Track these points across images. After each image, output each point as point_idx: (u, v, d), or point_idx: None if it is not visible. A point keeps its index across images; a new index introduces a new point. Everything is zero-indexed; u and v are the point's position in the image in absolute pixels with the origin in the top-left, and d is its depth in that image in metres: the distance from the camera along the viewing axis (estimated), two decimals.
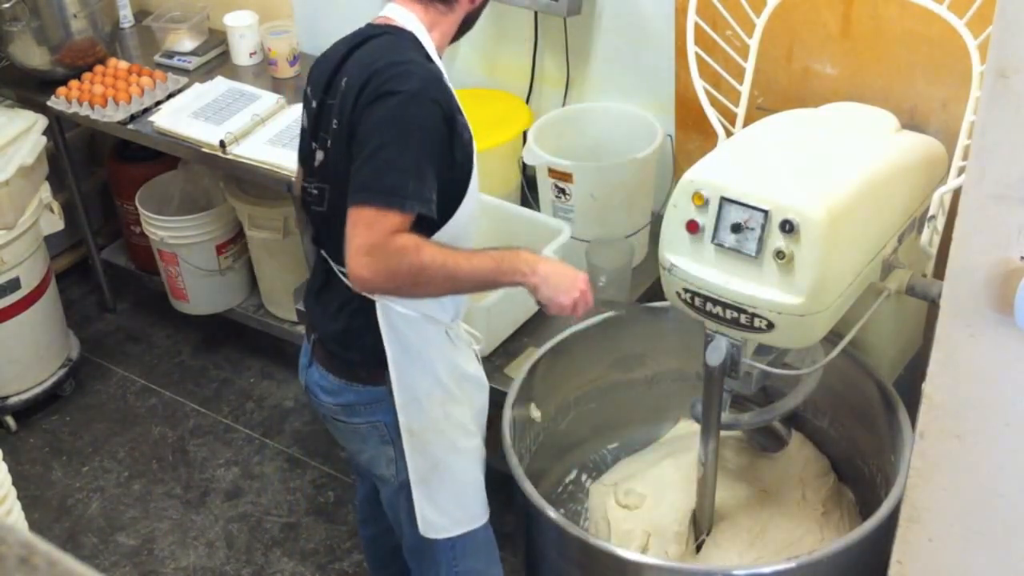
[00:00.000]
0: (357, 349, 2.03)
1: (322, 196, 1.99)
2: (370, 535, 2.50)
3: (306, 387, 2.16)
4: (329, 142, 1.93)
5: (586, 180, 2.53)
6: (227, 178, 3.20)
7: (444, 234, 1.91)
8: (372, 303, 1.95)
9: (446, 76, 1.91)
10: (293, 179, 2.74)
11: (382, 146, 1.80)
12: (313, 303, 2.11)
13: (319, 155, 1.96)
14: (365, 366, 2.03)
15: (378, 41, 1.92)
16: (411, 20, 1.94)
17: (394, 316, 1.96)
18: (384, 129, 1.81)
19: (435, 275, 1.84)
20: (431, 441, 2.06)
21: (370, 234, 1.78)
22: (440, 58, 1.95)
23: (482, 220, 2.61)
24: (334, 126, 1.90)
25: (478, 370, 2.13)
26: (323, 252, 2.05)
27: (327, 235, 2.01)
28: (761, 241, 1.85)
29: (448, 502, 2.13)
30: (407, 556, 2.26)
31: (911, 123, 2.29)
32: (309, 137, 2.01)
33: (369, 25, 1.99)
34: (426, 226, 1.86)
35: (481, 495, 2.18)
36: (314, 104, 1.98)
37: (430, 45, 1.94)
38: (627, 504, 2.40)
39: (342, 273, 1.98)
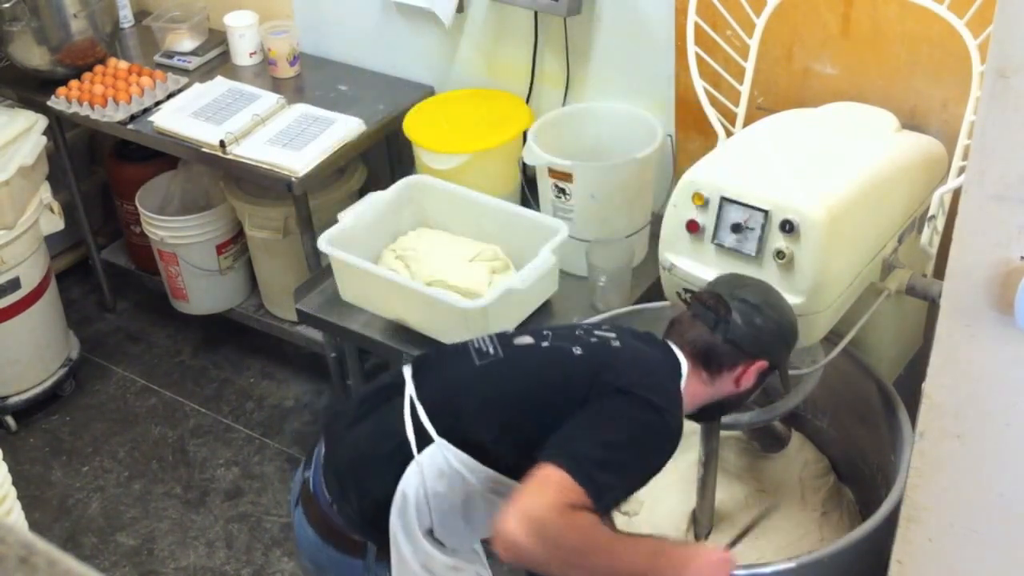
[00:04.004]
0: (360, 510, 1.79)
1: (487, 354, 1.82)
2: None
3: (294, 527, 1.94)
4: (545, 344, 1.81)
5: (586, 180, 2.53)
6: (227, 178, 3.20)
7: None
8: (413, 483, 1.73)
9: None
10: (294, 180, 2.75)
11: (620, 440, 1.66)
12: (345, 433, 1.84)
13: (528, 338, 1.84)
14: (356, 529, 1.81)
15: (652, 349, 1.81)
16: (682, 361, 1.81)
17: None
18: (632, 426, 1.68)
19: (595, 562, 1.60)
20: None
21: (551, 499, 1.56)
22: None
23: (482, 221, 2.62)
24: (563, 344, 1.78)
25: None
26: (414, 391, 1.79)
27: (449, 392, 1.80)
28: (761, 241, 1.86)
29: None
30: None
31: (911, 123, 2.29)
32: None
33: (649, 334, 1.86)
34: None
35: None
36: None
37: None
38: (626, 510, 2.40)
39: (423, 440, 1.75)
